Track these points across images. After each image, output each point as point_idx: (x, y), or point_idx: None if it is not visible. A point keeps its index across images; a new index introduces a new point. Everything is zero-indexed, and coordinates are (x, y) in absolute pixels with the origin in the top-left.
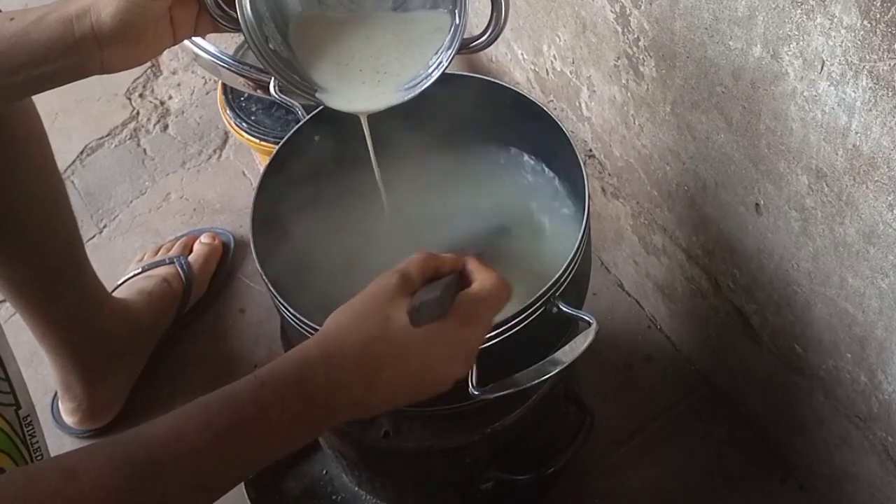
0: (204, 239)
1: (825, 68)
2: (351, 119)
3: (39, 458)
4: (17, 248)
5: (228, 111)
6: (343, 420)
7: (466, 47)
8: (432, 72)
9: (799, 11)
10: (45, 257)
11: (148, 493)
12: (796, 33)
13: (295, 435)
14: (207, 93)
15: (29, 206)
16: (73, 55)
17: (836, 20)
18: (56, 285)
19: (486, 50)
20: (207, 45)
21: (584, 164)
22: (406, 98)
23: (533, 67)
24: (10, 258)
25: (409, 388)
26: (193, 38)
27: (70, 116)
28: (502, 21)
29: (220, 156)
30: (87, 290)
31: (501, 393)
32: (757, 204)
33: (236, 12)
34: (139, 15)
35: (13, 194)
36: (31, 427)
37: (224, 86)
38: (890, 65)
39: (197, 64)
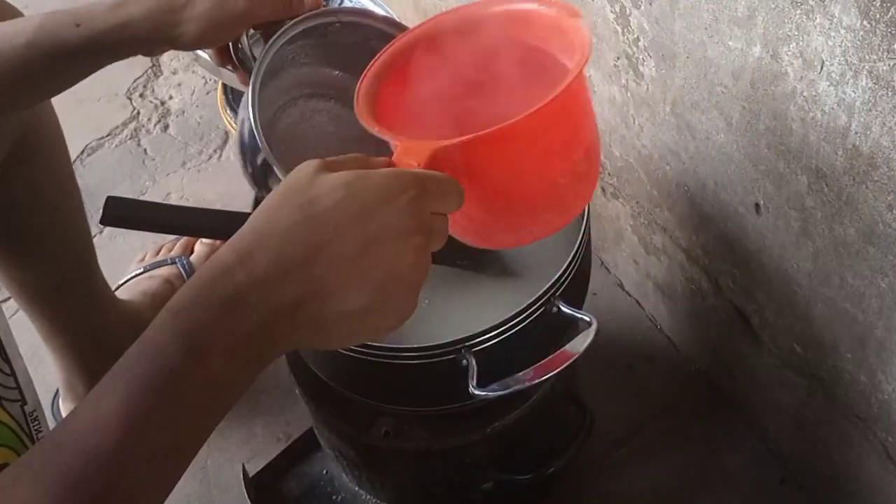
0: (205, 239)
1: (825, 68)
2: None
3: None
4: (36, 255)
5: (229, 111)
6: (305, 340)
7: None
8: None
9: (798, 11)
10: (61, 264)
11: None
12: (796, 33)
13: (240, 363)
14: (208, 93)
15: (49, 213)
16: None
17: (835, 20)
18: (69, 291)
19: None
20: None
21: None
22: None
23: None
24: (27, 264)
25: (360, 271)
26: None
27: (70, 116)
28: None
29: (220, 156)
30: (97, 295)
31: (501, 393)
32: (757, 204)
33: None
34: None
35: (35, 202)
36: (36, 423)
37: (224, 86)
38: (889, 65)
39: (197, 64)
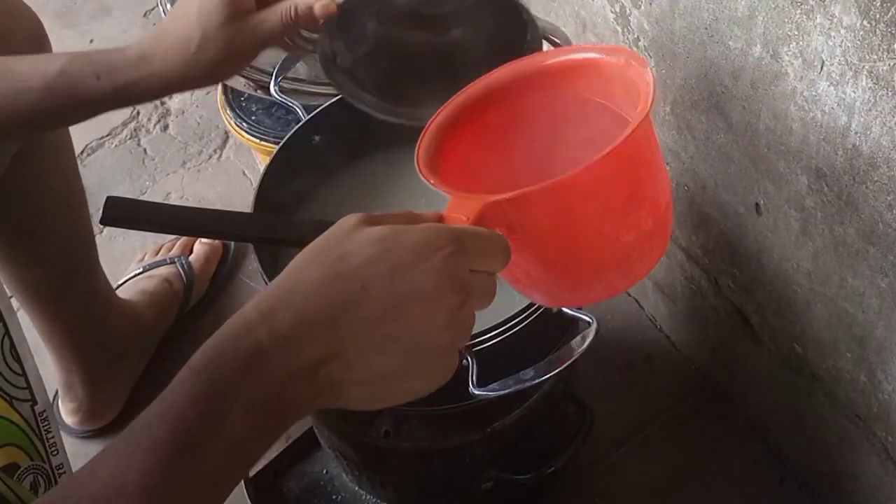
0: (204, 239)
1: (825, 68)
2: (350, 120)
3: (55, 453)
4: (40, 250)
5: (229, 111)
6: (327, 402)
7: None
8: None
9: (799, 11)
10: (64, 261)
11: None
12: (796, 33)
13: (260, 426)
14: (208, 93)
15: (54, 207)
16: None
17: (835, 20)
18: (71, 288)
19: None
20: None
21: None
22: None
23: None
24: (30, 261)
25: (387, 335)
26: None
27: None
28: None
29: (220, 156)
30: (98, 292)
31: (501, 392)
32: (757, 204)
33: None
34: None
35: (41, 195)
36: (46, 423)
37: (224, 86)
38: (889, 65)
39: None
